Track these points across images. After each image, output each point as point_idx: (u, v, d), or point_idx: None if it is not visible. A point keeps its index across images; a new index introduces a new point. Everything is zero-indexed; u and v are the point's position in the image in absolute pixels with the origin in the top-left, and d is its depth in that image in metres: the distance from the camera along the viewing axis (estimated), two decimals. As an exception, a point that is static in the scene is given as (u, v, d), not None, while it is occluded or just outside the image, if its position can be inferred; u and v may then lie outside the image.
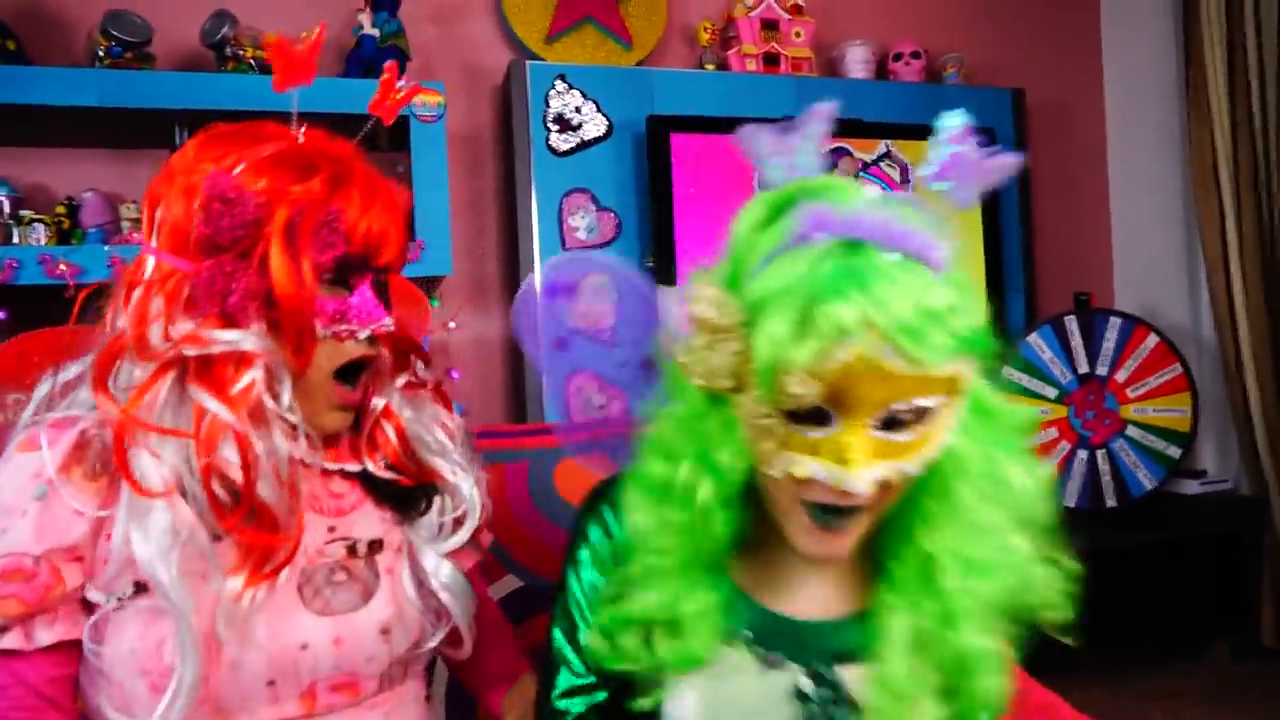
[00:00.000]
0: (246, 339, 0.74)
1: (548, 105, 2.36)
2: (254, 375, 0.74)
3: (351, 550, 0.83)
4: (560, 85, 2.37)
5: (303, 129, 0.81)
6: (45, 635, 0.73)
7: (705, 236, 2.36)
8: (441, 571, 0.85)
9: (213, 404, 0.73)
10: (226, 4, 2.07)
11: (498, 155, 2.50)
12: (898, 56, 2.78)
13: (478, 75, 2.48)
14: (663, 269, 2.31)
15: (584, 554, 0.81)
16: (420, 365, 0.91)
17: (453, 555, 0.88)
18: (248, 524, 0.74)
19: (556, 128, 2.36)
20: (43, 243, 1.95)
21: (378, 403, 0.86)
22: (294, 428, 0.79)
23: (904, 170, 2.58)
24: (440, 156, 2.14)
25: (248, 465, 0.73)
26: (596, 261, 0.95)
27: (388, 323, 0.80)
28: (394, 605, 0.83)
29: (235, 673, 0.75)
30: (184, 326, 0.74)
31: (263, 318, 0.75)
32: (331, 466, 0.84)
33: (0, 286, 1.82)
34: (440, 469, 0.88)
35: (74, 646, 0.75)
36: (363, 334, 0.79)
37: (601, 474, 0.85)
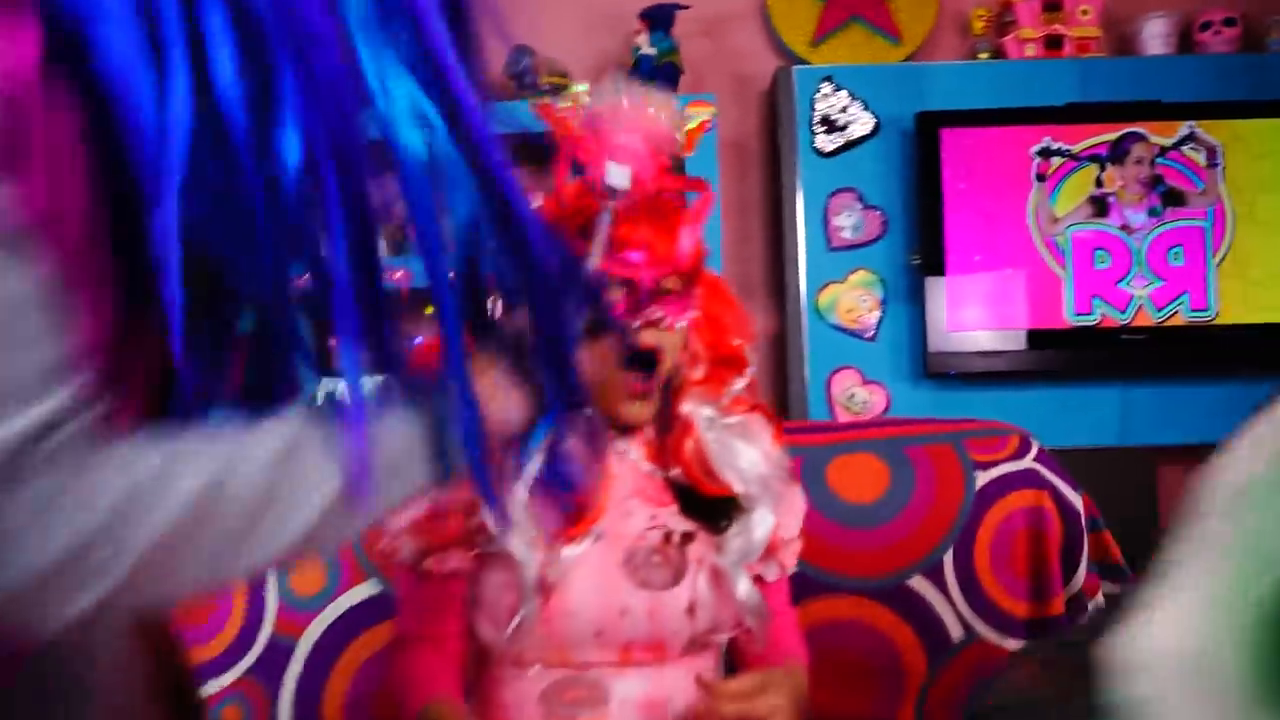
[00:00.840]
0: None
1: (814, 108, 2.39)
2: None
3: (667, 538, 0.97)
4: (827, 87, 2.40)
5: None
6: (452, 562, 0.94)
7: (976, 231, 2.30)
8: (741, 587, 0.97)
9: None
10: (524, 39, 2.32)
11: (763, 160, 2.57)
12: (1206, 25, 2.51)
13: (746, 83, 2.57)
14: (932, 264, 2.29)
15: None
16: (740, 382, 1.01)
17: (755, 570, 1.00)
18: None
19: (823, 129, 2.40)
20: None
21: (684, 411, 0.98)
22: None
23: (1210, 153, 2.31)
24: (710, 165, 2.25)
25: None
26: None
27: (655, 312, 0.92)
28: (698, 591, 0.96)
29: (570, 619, 0.93)
30: None
31: None
32: (645, 466, 1.00)
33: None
34: (739, 492, 0.98)
35: (464, 576, 0.96)
36: (634, 324, 0.92)
37: None
